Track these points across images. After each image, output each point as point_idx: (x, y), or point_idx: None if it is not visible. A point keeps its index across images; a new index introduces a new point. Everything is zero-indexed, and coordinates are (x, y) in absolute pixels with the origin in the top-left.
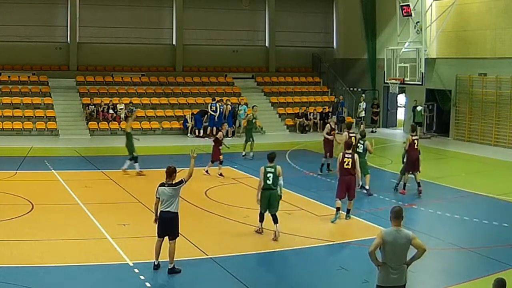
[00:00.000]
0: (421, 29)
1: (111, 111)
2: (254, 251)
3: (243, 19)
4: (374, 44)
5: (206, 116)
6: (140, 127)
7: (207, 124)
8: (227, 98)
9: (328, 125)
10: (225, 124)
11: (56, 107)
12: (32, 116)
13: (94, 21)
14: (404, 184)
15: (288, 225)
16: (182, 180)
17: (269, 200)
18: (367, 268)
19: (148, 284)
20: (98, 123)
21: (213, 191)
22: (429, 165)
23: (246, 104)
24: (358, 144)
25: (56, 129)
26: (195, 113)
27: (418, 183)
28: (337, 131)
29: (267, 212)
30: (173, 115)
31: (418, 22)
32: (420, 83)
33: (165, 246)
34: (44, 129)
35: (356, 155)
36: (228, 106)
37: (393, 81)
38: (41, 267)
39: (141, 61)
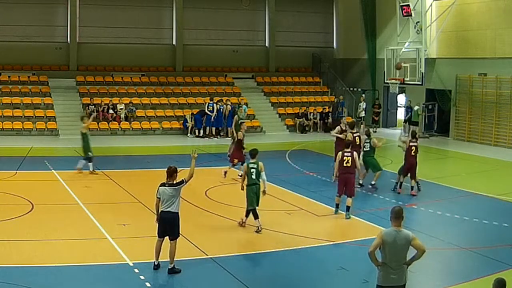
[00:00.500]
0: (421, 29)
1: (111, 111)
2: (254, 251)
3: (243, 19)
4: (374, 44)
5: (206, 116)
6: (140, 127)
7: (205, 124)
8: (227, 98)
9: (338, 126)
10: (244, 124)
11: (56, 107)
12: (32, 116)
13: (94, 21)
14: (401, 183)
15: (288, 225)
16: (183, 180)
17: (256, 195)
18: (367, 268)
19: (148, 284)
20: (98, 123)
21: (213, 191)
22: (429, 165)
23: (246, 104)
24: (365, 144)
25: (56, 129)
26: (195, 113)
27: (412, 187)
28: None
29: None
30: (173, 115)
31: (418, 22)
32: (420, 83)
33: (165, 246)
34: (44, 129)
35: (355, 153)
36: (228, 106)
37: (393, 81)
38: (41, 267)
39: (141, 61)
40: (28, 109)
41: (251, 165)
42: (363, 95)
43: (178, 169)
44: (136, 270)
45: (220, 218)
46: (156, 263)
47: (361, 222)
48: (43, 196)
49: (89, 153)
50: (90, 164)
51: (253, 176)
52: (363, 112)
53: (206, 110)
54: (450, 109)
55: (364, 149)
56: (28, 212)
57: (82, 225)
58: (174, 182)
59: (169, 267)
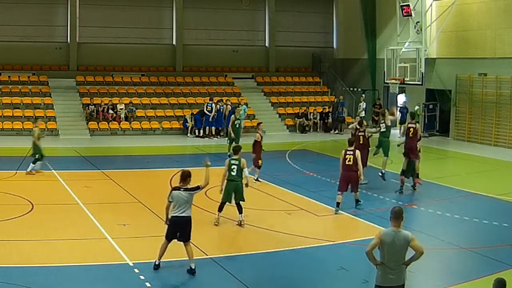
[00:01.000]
0: (421, 29)
1: (111, 111)
2: (254, 251)
3: (243, 19)
4: (374, 44)
5: (205, 116)
6: (140, 127)
7: (204, 124)
8: (227, 98)
9: (352, 124)
10: (261, 124)
11: (56, 107)
12: (32, 116)
13: (94, 21)
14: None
15: (288, 225)
16: (198, 186)
17: (234, 191)
18: (367, 268)
19: (148, 284)
20: (98, 123)
21: (213, 191)
22: (429, 165)
23: (246, 104)
24: (381, 124)
25: (56, 129)
26: (195, 113)
27: (417, 174)
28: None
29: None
30: (173, 115)
31: (418, 22)
32: (420, 83)
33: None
34: (44, 129)
35: (357, 152)
36: (228, 106)
37: (393, 81)
38: (41, 267)
39: (141, 61)
40: (28, 109)
41: (232, 161)
42: (363, 95)
43: (178, 169)
44: (136, 270)
45: (220, 218)
46: (157, 263)
47: (361, 222)
48: (43, 196)
49: (37, 155)
50: (34, 165)
51: (233, 173)
52: (363, 112)
53: (205, 110)
54: (450, 109)
55: (381, 130)
56: (28, 212)
57: (82, 225)
58: (189, 186)
59: (192, 267)
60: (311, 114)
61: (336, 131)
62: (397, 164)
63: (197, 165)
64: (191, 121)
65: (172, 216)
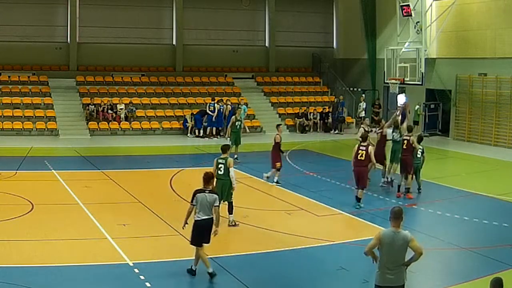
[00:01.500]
0: (421, 29)
1: (110, 111)
2: (254, 251)
3: (243, 19)
4: (374, 44)
5: (206, 116)
6: (140, 127)
7: (206, 124)
8: (227, 98)
9: (361, 128)
10: (281, 126)
11: (56, 107)
12: (32, 116)
13: (94, 21)
14: (399, 186)
15: (288, 225)
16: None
17: (221, 190)
18: (367, 268)
19: (148, 284)
20: (98, 123)
21: None
22: (429, 165)
23: (246, 104)
24: (393, 134)
25: (56, 129)
26: (195, 113)
27: (407, 189)
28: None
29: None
30: (173, 115)
31: (418, 22)
32: (420, 83)
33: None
34: (44, 129)
35: (370, 148)
36: (228, 106)
37: (393, 81)
38: (41, 267)
39: (141, 61)
40: (28, 109)
41: (220, 160)
42: (363, 95)
43: (178, 169)
44: (136, 270)
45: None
46: (194, 268)
47: (361, 222)
48: (43, 196)
49: None
50: None
51: (220, 172)
52: (363, 112)
53: (208, 110)
54: (450, 109)
55: (396, 139)
56: (28, 212)
57: (82, 225)
58: (213, 189)
59: (193, 268)
60: (311, 114)
61: (336, 131)
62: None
63: (197, 165)
64: (191, 121)
65: (197, 220)
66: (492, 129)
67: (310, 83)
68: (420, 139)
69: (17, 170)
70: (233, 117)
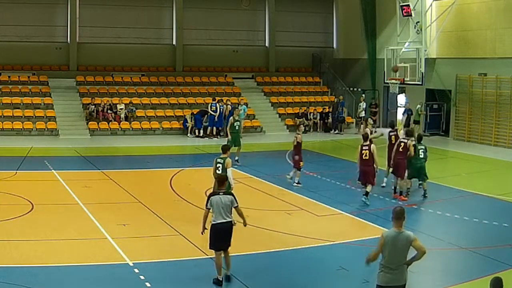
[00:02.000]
0: (421, 29)
1: (110, 111)
2: (254, 251)
3: (243, 19)
4: (374, 44)
5: (206, 116)
6: (140, 127)
7: (207, 124)
8: (227, 98)
9: (366, 129)
10: (301, 126)
11: (56, 107)
12: (32, 116)
13: (94, 21)
14: (394, 188)
15: (288, 225)
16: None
17: None
18: (367, 268)
19: (148, 284)
20: (98, 123)
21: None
22: (429, 165)
23: (246, 104)
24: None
25: (56, 129)
26: (195, 113)
27: (400, 192)
28: (374, 129)
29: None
30: (173, 115)
31: (418, 22)
32: (420, 83)
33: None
34: (44, 129)
35: (373, 146)
36: (228, 106)
37: (393, 81)
38: (41, 267)
39: (141, 61)
40: (28, 109)
41: (218, 160)
42: (363, 95)
43: (178, 169)
44: (136, 270)
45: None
46: (221, 279)
47: (361, 222)
48: (43, 196)
49: None
50: None
51: (218, 171)
52: (363, 112)
53: (209, 110)
54: (450, 109)
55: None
56: (28, 212)
57: (82, 225)
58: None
59: (227, 274)
60: (311, 114)
61: (336, 131)
62: None
63: (197, 165)
64: (191, 121)
65: (214, 224)
66: (492, 129)
67: (310, 83)
68: (420, 138)
69: (17, 170)
70: (231, 118)
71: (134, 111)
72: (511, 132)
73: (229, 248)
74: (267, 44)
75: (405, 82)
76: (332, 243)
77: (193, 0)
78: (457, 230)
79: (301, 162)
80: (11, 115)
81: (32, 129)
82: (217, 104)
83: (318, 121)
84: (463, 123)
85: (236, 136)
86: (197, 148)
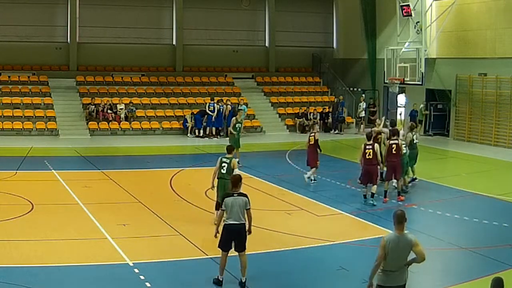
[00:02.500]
0: (421, 29)
1: (110, 111)
2: (254, 251)
3: (243, 19)
4: (374, 44)
5: (206, 116)
6: (140, 127)
7: (206, 124)
8: (227, 98)
9: (370, 130)
10: (316, 125)
11: (56, 107)
12: (32, 116)
13: (94, 21)
14: (385, 191)
15: (288, 225)
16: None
17: (223, 189)
18: (367, 268)
19: (148, 284)
20: (98, 123)
21: (213, 191)
22: (429, 165)
23: (246, 104)
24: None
25: (56, 129)
26: (195, 113)
27: (398, 192)
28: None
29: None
30: (173, 115)
31: (418, 22)
32: (420, 83)
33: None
34: (44, 129)
35: (376, 145)
36: (228, 106)
37: (393, 81)
38: (41, 267)
39: (141, 61)
40: (28, 109)
41: (224, 160)
42: (363, 95)
43: (178, 169)
44: (136, 270)
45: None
46: (221, 279)
47: (361, 222)
48: (43, 196)
49: None
50: None
51: (223, 171)
52: (363, 112)
53: (207, 110)
54: (450, 109)
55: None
56: (28, 212)
57: (82, 225)
58: (241, 191)
59: (243, 281)
60: (311, 114)
61: (336, 131)
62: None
63: (197, 165)
64: (191, 121)
65: (227, 224)
66: (492, 129)
67: (310, 83)
68: (412, 128)
69: (17, 170)
70: (234, 118)
71: (134, 111)
72: (511, 132)
73: (243, 252)
74: (267, 44)
75: (405, 82)
76: (332, 243)
77: (193, 0)
78: (457, 230)
79: (318, 161)
80: (11, 115)
81: (32, 129)
82: (215, 104)
83: (318, 121)
84: (463, 123)
85: (236, 138)
86: (197, 148)
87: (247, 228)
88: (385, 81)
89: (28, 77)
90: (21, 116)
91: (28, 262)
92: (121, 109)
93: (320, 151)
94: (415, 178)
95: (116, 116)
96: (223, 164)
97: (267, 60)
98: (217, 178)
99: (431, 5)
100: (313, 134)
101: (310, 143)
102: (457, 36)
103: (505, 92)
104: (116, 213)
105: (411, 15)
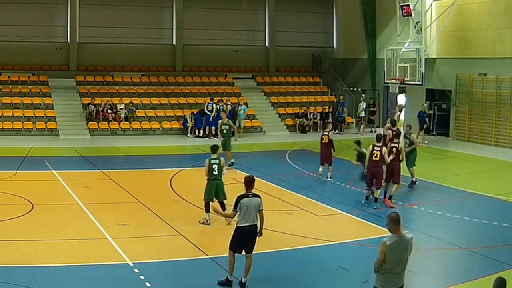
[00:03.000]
0: (421, 29)
1: (110, 111)
2: (254, 251)
3: (243, 19)
4: (374, 44)
5: (205, 116)
6: (140, 127)
7: (205, 124)
8: (227, 98)
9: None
10: (330, 124)
11: (56, 107)
12: (32, 116)
13: (94, 21)
14: (385, 192)
15: (288, 225)
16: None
17: (216, 190)
18: (367, 268)
19: (148, 284)
20: (98, 123)
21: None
22: (429, 165)
23: (246, 104)
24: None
25: (56, 129)
26: (195, 113)
27: (390, 196)
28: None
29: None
30: (173, 115)
31: (418, 22)
32: (420, 83)
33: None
34: (44, 129)
35: (384, 148)
36: (228, 106)
37: (393, 81)
38: (41, 267)
39: (141, 61)
40: (28, 109)
41: (213, 161)
42: (363, 95)
43: (178, 169)
44: (136, 270)
45: (220, 218)
46: (231, 279)
47: (361, 222)
48: (43, 196)
49: None
50: None
51: (215, 172)
52: (363, 112)
53: (206, 110)
54: (450, 109)
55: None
56: (28, 212)
57: (82, 225)
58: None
59: (244, 281)
60: (311, 114)
61: (336, 131)
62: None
63: (197, 165)
64: (191, 121)
65: (241, 227)
66: (492, 129)
67: (310, 83)
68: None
69: (17, 170)
70: (220, 121)
71: (134, 111)
72: (511, 132)
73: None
74: (267, 44)
75: (405, 82)
76: (332, 243)
77: (193, 0)
78: (457, 230)
79: (332, 159)
80: (11, 115)
81: (32, 129)
82: (214, 104)
83: (318, 121)
84: (463, 123)
85: (225, 140)
86: (197, 148)
87: (258, 229)
88: (385, 81)
89: (28, 77)
90: (21, 116)
91: (28, 262)
92: (121, 109)
93: (334, 151)
94: (415, 181)
95: (116, 116)
96: (214, 166)
97: (267, 60)
98: (209, 180)
99: (431, 5)
100: (326, 133)
101: (324, 141)
102: (457, 36)
103: (505, 92)
104: (116, 213)
105: (411, 15)
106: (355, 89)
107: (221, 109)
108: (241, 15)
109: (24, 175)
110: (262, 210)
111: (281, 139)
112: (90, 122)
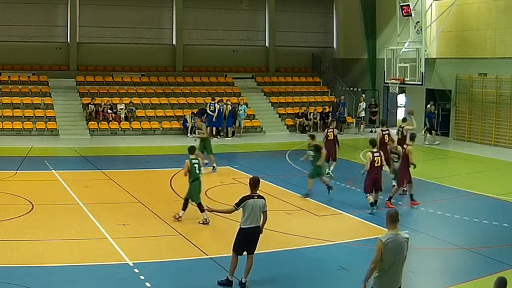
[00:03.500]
0: (421, 29)
1: (110, 111)
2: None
3: (243, 19)
4: (374, 44)
5: (206, 116)
6: (140, 127)
7: (206, 124)
8: (227, 98)
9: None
10: (334, 122)
11: (56, 107)
12: (32, 116)
13: (94, 21)
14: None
15: (288, 225)
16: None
17: (199, 189)
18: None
19: (148, 284)
20: (98, 123)
21: (213, 191)
22: (429, 165)
23: (246, 104)
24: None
25: (56, 129)
26: (195, 112)
27: (389, 197)
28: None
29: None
30: (173, 115)
31: (418, 22)
32: (420, 83)
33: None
34: (44, 129)
35: (381, 152)
36: (228, 106)
37: (393, 81)
38: (41, 267)
39: (141, 61)
40: (28, 109)
41: (193, 161)
42: (363, 95)
43: (178, 169)
44: (136, 270)
45: (220, 218)
46: (231, 279)
47: (361, 222)
48: (43, 196)
49: None
50: None
51: (197, 171)
52: (363, 112)
53: (208, 110)
54: (450, 109)
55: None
56: (28, 212)
57: (82, 225)
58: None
59: (243, 281)
60: (311, 114)
61: (336, 131)
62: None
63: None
64: (191, 121)
65: (245, 228)
66: (492, 129)
67: (310, 83)
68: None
69: (17, 170)
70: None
71: (134, 111)
72: (511, 132)
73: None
74: (267, 44)
75: (405, 82)
76: (332, 243)
77: (193, 0)
78: (457, 230)
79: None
80: (11, 115)
81: (32, 129)
82: (216, 104)
83: (318, 121)
84: (463, 123)
85: (202, 144)
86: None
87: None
88: (385, 81)
89: (28, 77)
90: (21, 116)
91: (28, 262)
92: (121, 109)
93: (339, 146)
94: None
95: (116, 116)
96: (195, 165)
97: (267, 60)
98: (193, 180)
99: (431, 5)
100: (331, 130)
101: (329, 138)
102: (457, 36)
103: (505, 92)
104: (116, 213)
105: (411, 15)
106: (355, 89)
107: (221, 109)
108: (241, 15)
109: (24, 175)
110: (266, 211)
111: (281, 139)
112: (90, 122)
